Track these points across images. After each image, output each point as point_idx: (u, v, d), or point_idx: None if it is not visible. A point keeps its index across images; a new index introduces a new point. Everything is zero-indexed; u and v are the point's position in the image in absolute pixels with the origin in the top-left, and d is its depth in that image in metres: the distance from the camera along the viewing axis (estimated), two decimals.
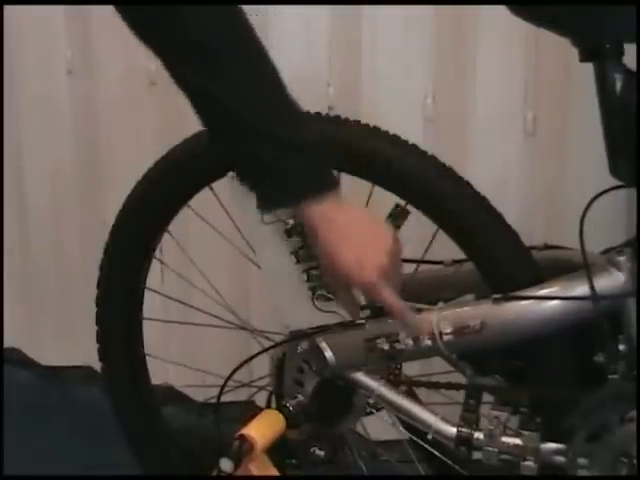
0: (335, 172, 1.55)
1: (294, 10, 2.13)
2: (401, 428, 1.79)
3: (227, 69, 1.44)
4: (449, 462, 1.78)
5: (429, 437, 1.69)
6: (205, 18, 1.42)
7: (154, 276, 1.98)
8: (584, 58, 1.51)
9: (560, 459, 1.62)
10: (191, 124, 1.82)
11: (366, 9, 2.09)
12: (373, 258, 1.52)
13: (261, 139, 1.46)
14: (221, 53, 1.44)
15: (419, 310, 1.65)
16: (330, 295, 1.66)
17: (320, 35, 2.14)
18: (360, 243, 1.52)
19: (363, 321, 1.67)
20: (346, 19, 2.11)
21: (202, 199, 1.83)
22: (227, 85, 1.45)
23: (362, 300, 1.65)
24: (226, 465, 1.60)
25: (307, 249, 1.64)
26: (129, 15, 1.44)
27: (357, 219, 1.55)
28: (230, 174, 1.65)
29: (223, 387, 1.73)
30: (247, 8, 2.15)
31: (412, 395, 1.75)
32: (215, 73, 1.43)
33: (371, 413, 1.78)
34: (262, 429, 1.63)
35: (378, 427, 1.86)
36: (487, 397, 1.69)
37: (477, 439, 1.65)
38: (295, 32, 2.16)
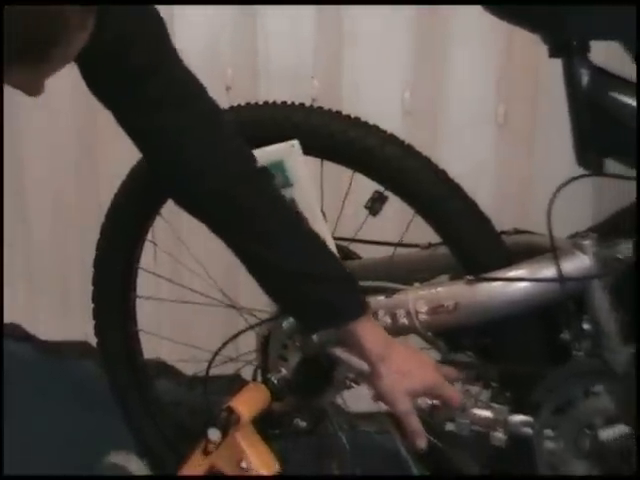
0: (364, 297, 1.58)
1: (282, 11, 2.13)
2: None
3: (275, 237, 1.51)
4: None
5: None
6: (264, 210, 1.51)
7: (147, 257, 1.98)
8: (553, 54, 1.51)
9: (527, 430, 1.63)
10: None
11: (348, 8, 2.09)
12: (410, 388, 1.56)
13: (309, 282, 1.52)
14: (269, 226, 1.51)
15: (396, 290, 1.67)
16: None
17: (305, 33, 2.14)
18: (400, 372, 1.56)
19: None
20: (329, 18, 2.11)
21: None
22: (279, 250, 1.51)
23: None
24: (214, 435, 1.60)
25: None
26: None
27: (403, 347, 1.59)
28: None
29: (211, 361, 1.73)
30: (239, 8, 2.16)
31: None
32: (266, 242, 1.51)
33: (350, 387, 1.78)
34: (248, 401, 1.63)
35: (357, 400, 1.86)
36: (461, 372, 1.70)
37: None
38: (282, 31, 2.16)
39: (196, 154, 1.47)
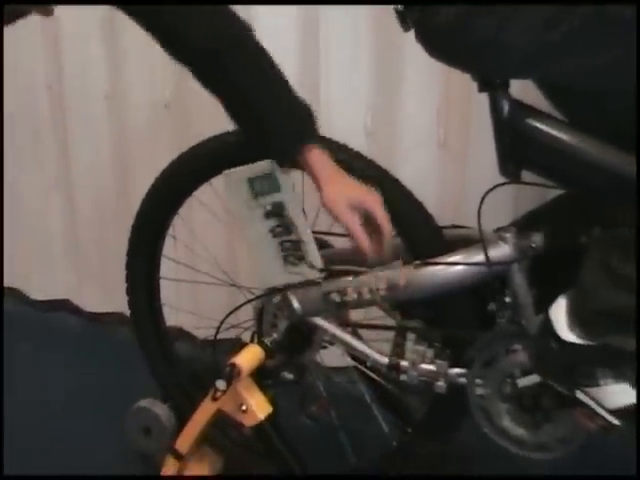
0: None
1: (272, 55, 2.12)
2: (348, 358, 1.80)
3: (246, 78, 1.46)
4: (382, 382, 1.79)
5: (368, 364, 1.70)
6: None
7: (168, 247, 1.97)
8: (481, 89, 1.51)
9: (463, 380, 1.63)
10: (195, 137, 1.81)
11: (324, 52, 2.08)
12: (351, 196, 1.50)
13: (273, 111, 1.48)
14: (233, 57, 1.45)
15: (362, 272, 1.66)
16: (295, 260, 1.66)
17: (290, 73, 2.11)
18: (343, 184, 1.51)
19: (320, 280, 1.67)
20: (309, 59, 2.10)
21: (204, 191, 1.83)
22: (249, 90, 1.47)
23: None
24: (221, 384, 1.60)
25: (281, 227, 1.64)
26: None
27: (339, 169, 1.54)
28: (224, 172, 1.64)
29: (219, 328, 1.72)
30: None
31: (356, 334, 1.75)
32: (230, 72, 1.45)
33: (326, 347, 1.79)
34: (247, 358, 1.63)
35: (331, 357, 1.86)
36: (411, 335, 1.70)
37: (403, 366, 1.66)
38: None
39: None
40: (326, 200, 1.50)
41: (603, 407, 1.48)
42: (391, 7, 1.48)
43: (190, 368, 1.97)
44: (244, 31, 1.48)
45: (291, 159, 1.52)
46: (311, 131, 1.52)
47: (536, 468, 1.79)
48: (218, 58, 1.44)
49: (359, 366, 1.79)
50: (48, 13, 1.24)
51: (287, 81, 1.51)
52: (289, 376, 1.75)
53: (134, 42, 2.21)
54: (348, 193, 1.51)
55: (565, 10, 1.31)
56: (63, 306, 2.66)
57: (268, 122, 1.49)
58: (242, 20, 1.47)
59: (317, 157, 1.51)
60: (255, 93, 1.47)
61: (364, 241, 1.50)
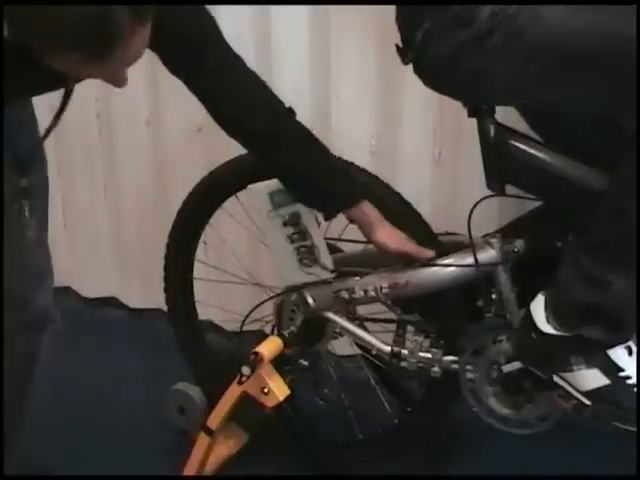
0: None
1: (287, 89, 2.12)
2: (356, 347, 1.80)
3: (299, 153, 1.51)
4: (385, 368, 1.79)
5: (373, 353, 1.70)
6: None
7: (200, 251, 1.98)
8: (470, 115, 1.51)
9: (455, 366, 1.63)
10: (224, 156, 1.82)
11: (334, 85, 2.08)
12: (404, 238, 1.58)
13: (329, 176, 1.52)
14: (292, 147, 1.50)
15: (367, 273, 1.67)
16: (309, 262, 1.66)
17: (307, 106, 2.12)
18: (394, 229, 1.58)
19: (332, 280, 1.67)
20: (323, 92, 2.10)
21: (232, 203, 1.84)
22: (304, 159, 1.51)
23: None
24: (246, 370, 1.60)
25: (297, 234, 1.65)
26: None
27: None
28: (249, 187, 1.65)
29: (244, 321, 1.73)
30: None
31: (363, 326, 1.75)
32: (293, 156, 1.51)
33: (337, 337, 1.79)
34: (268, 348, 1.63)
35: (342, 346, 1.86)
36: (410, 328, 1.70)
37: (403, 354, 1.66)
38: (285, 99, 2.14)
39: (230, 99, 1.45)
40: (384, 238, 1.56)
41: (576, 389, 1.48)
42: (393, 45, 1.49)
43: (219, 356, 1.98)
44: (288, 112, 1.52)
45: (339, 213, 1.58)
46: (355, 192, 1.55)
47: (534, 467, 1.80)
48: (271, 141, 1.49)
49: (365, 354, 1.79)
50: (120, 84, 1.16)
51: (328, 150, 1.54)
52: (305, 363, 1.75)
53: (171, 77, 2.22)
54: (397, 232, 1.58)
55: (539, 49, 1.32)
56: (110, 303, 2.66)
57: (320, 191, 1.54)
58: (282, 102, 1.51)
59: (366, 209, 1.55)
60: (306, 168, 1.52)
61: (426, 252, 1.58)
